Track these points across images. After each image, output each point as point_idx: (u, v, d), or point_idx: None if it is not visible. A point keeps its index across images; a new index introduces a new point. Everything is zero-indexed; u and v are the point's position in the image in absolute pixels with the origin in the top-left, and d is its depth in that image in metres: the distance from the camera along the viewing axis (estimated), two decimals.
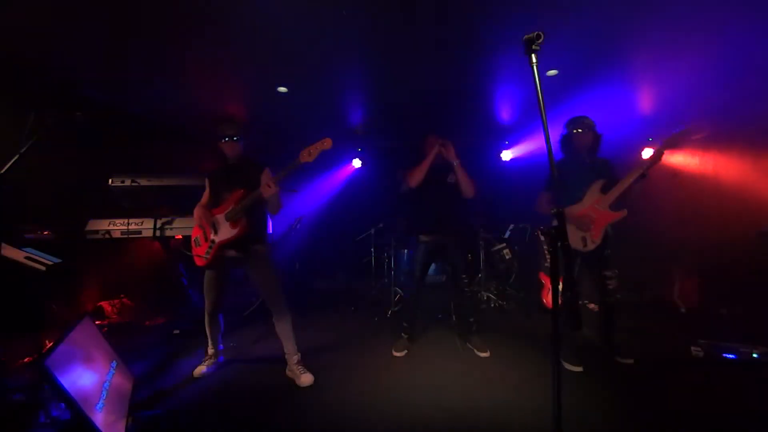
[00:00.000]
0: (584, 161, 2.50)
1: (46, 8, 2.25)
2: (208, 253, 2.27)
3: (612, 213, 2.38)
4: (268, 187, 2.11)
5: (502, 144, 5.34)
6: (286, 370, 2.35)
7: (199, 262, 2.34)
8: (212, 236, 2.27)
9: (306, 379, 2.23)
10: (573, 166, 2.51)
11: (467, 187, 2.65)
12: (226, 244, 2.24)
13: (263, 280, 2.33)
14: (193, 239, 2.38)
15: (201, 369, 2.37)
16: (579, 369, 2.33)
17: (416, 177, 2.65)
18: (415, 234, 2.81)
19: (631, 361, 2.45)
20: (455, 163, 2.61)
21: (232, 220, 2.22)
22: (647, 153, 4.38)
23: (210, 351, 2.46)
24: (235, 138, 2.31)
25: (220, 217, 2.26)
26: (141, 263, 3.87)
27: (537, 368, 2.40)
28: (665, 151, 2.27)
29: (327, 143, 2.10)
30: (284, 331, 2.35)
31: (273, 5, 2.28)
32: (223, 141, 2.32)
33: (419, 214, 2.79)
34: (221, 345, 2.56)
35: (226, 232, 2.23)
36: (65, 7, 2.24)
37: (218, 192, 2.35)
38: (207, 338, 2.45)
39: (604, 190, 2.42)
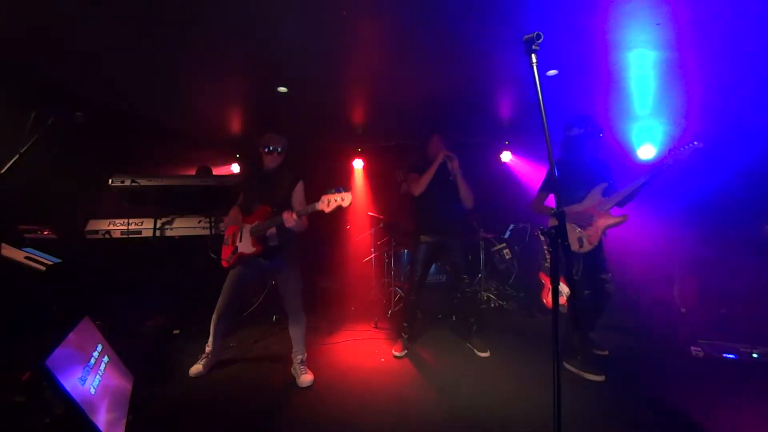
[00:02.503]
0: (586, 162, 2.48)
1: (46, 8, 2.25)
2: (230, 258, 2.32)
3: (613, 216, 2.34)
4: (290, 220, 2.10)
5: (502, 144, 5.34)
6: (291, 368, 2.37)
7: (223, 263, 2.39)
8: (237, 243, 2.30)
9: (306, 378, 2.24)
10: (575, 166, 2.47)
11: (467, 198, 2.70)
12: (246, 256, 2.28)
13: (286, 285, 2.38)
14: (225, 238, 2.42)
15: (197, 368, 2.36)
16: (601, 378, 2.22)
17: (420, 186, 2.67)
18: (417, 234, 2.81)
19: (606, 352, 2.62)
20: (457, 175, 2.65)
21: (254, 237, 2.24)
22: (646, 152, 4.38)
23: (207, 349, 2.44)
24: (279, 150, 2.36)
25: (247, 228, 2.29)
26: (141, 263, 3.85)
27: (537, 368, 2.41)
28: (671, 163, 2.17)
29: (346, 200, 2.00)
30: (296, 334, 2.39)
31: (273, 5, 2.28)
32: (265, 150, 2.34)
33: (421, 215, 2.80)
34: (220, 345, 2.54)
35: (247, 245, 2.26)
36: (64, 8, 2.24)
37: (250, 200, 2.39)
38: (208, 335, 2.43)
39: (606, 193, 2.39)
